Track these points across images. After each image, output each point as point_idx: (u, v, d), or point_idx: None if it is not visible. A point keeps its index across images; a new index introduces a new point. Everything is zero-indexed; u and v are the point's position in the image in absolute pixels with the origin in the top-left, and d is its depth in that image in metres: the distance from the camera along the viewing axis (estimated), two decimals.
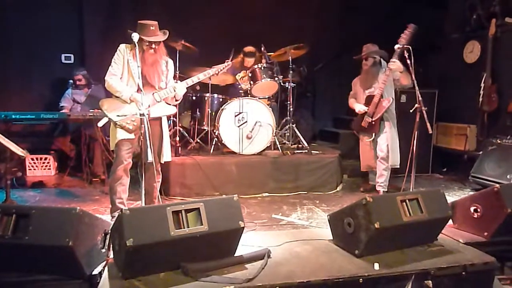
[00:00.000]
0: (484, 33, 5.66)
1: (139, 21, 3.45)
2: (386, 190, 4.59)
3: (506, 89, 5.39)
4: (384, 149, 4.51)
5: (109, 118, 3.45)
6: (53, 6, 5.77)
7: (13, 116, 4.55)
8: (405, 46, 3.86)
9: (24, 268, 2.14)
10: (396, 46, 4.12)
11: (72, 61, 6.00)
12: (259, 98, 5.10)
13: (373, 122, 4.52)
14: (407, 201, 2.49)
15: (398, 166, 4.60)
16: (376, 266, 2.28)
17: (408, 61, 3.74)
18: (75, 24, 5.98)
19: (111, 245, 2.25)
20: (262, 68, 5.08)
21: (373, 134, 4.61)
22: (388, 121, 4.53)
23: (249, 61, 5.55)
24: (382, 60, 4.60)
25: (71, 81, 5.43)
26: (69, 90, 5.42)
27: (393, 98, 4.49)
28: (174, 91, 3.59)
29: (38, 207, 2.20)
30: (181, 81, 3.82)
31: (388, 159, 4.51)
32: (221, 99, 5.29)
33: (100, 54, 5.47)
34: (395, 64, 4.20)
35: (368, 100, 4.55)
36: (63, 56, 5.98)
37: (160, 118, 3.66)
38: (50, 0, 5.75)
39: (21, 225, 2.08)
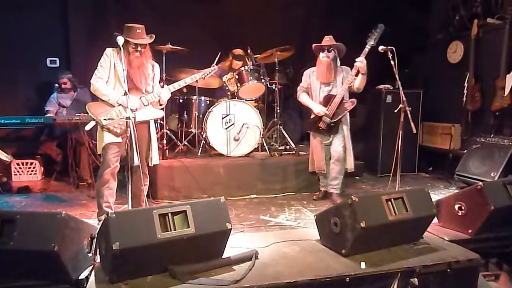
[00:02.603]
0: (467, 33, 5.76)
1: (125, 24, 3.46)
2: (339, 192, 4.49)
3: (489, 88, 5.47)
4: (338, 150, 4.35)
5: (96, 122, 3.43)
6: (37, 10, 5.72)
7: None
8: (389, 47, 3.86)
9: (10, 274, 2.12)
10: (366, 47, 4.07)
11: (57, 65, 5.95)
12: (246, 100, 5.11)
13: (333, 124, 4.32)
14: (392, 200, 2.51)
15: (353, 170, 4.53)
16: (363, 265, 2.29)
17: (392, 62, 3.78)
18: (60, 28, 5.93)
19: (97, 249, 2.24)
20: (249, 70, 5.10)
21: (331, 136, 4.41)
22: (345, 125, 4.37)
23: (237, 64, 5.58)
24: (338, 58, 4.40)
25: (56, 85, 5.39)
26: (54, 94, 5.38)
27: (355, 101, 4.32)
28: (159, 96, 3.60)
29: (23, 212, 2.17)
30: (168, 84, 3.83)
31: (342, 161, 4.38)
32: (208, 102, 5.30)
33: (86, 57, 5.46)
34: (363, 63, 4.07)
35: (327, 100, 4.31)
36: (48, 60, 5.93)
37: (147, 122, 3.66)
38: (34, 4, 5.69)
39: (6, 231, 2.05)
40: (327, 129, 4.37)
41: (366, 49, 4.09)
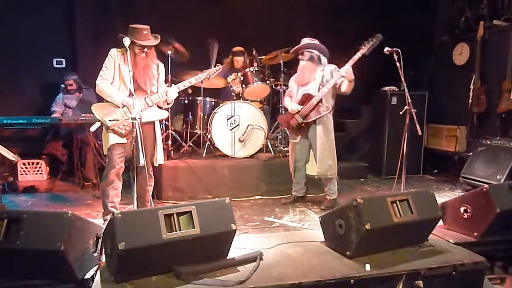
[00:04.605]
0: (472, 35, 5.74)
1: (130, 25, 3.47)
2: (334, 197, 4.37)
3: (494, 91, 5.45)
4: (314, 154, 4.24)
5: (101, 123, 3.45)
6: (44, 10, 5.77)
7: (5, 121, 4.53)
8: (395, 49, 3.83)
9: (16, 273, 2.14)
10: (357, 54, 3.96)
11: (63, 65, 5.99)
12: (251, 101, 5.12)
13: (303, 124, 4.21)
14: (397, 202, 2.50)
15: (330, 176, 4.28)
16: (367, 267, 2.29)
17: (397, 64, 3.77)
18: (66, 29, 5.97)
19: (103, 249, 2.25)
20: (254, 71, 5.11)
21: (299, 137, 4.32)
22: (321, 125, 4.17)
23: (238, 60, 5.59)
24: (322, 56, 4.21)
25: (62, 85, 5.41)
26: (60, 95, 5.41)
27: (332, 107, 4.15)
28: (166, 95, 3.61)
29: (30, 212, 2.19)
30: (173, 84, 3.84)
31: (322, 165, 4.20)
32: (213, 103, 5.31)
33: (92, 58, 5.47)
34: (349, 72, 3.93)
35: (304, 99, 4.18)
36: (54, 60, 5.97)
37: (153, 122, 3.67)
38: (41, 4, 5.74)
39: (12, 230, 2.07)
40: (297, 128, 4.30)
41: (356, 57, 3.98)
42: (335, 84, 4.06)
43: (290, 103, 4.34)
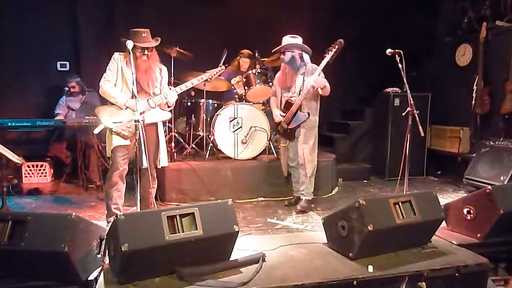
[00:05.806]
0: (475, 36, 5.73)
1: (131, 29, 3.50)
2: (309, 198, 4.37)
3: (498, 92, 5.44)
4: (300, 154, 4.22)
5: (104, 125, 3.47)
6: (48, 14, 5.81)
7: (9, 124, 4.53)
8: (397, 50, 3.83)
9: (20, 274, 2.15)
10: (322, 63, 3.95)
11: (67, 68, 6.02)
12: (253, 103, 5.12)
13: (289, 130, 4.26)
14: (400, 203, 2.51)
15: (308, 176, 4.28)
16: (370, 268, 2.29)
17: (400, 65, 3.77)
18: (70, 32, 6.01)
19: (106, 251, 2.27)
20: (256, 73, 5.12)
21: (287, 141, 4.38)
22: (304, 128, 4.20)
23: (245, 62, 5.62)
24: (304, 54, 4.19)
25: (66, 88, 5.44)
26: (63, 98, 5.43)
27: (310, 113, 4.12)
28: (166, 98, 3.63)
29: (34, 214, 2.20)
30: (171, 87, 3.85)
31: (304, 165, 4.22)
32: (216, 105, 5.32)
33: (96, 61, 5.52)
34: (318, 82, 3.95)
35: (287, 106, 4.21)
36: (58, 63, 6.01)
37: (155, 124, 3.68)
38: (45, 8, 5.78)
39: (17, 232, 2.09)
40: (283, 134, 4.35)
41: (321, 66, 3.98)
42: (312, 89, 4.06)
43: (275, 110, 4.37)
